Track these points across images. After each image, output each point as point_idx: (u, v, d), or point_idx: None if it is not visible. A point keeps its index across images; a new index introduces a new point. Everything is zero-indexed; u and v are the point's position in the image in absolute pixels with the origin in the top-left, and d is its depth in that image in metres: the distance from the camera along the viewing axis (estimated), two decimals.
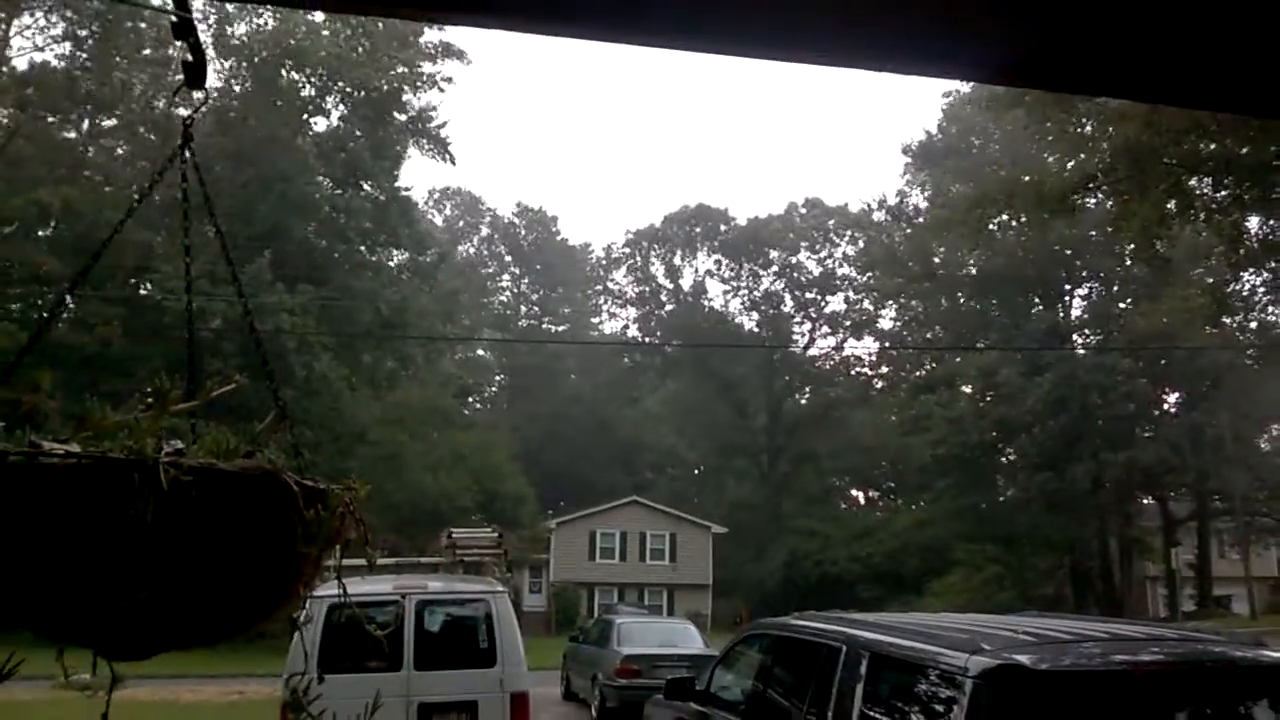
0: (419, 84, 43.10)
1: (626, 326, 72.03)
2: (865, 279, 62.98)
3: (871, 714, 5.37)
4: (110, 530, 1.33)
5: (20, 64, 38.67)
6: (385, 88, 41.72)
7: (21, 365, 1.72)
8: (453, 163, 46.23)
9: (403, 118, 43.64)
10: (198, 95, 1.93)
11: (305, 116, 41.16)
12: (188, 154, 1.96)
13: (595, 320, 74.89)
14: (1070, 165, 22.51)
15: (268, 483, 1.46)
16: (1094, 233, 39.90)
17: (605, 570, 48.35)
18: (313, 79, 40.61)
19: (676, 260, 69.69)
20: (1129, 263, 34.43)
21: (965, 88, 45.62)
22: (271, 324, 30.99)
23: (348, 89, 41.52)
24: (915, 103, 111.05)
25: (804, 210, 67.84)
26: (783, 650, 7.16)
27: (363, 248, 42.44)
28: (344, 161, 41.33)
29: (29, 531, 1.32)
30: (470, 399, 57.61)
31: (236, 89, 40.04)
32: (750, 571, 54.43)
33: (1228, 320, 25.43)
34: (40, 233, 35.88)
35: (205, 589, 1.43)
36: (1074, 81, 2.04)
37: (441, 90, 44.68)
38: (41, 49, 41.43)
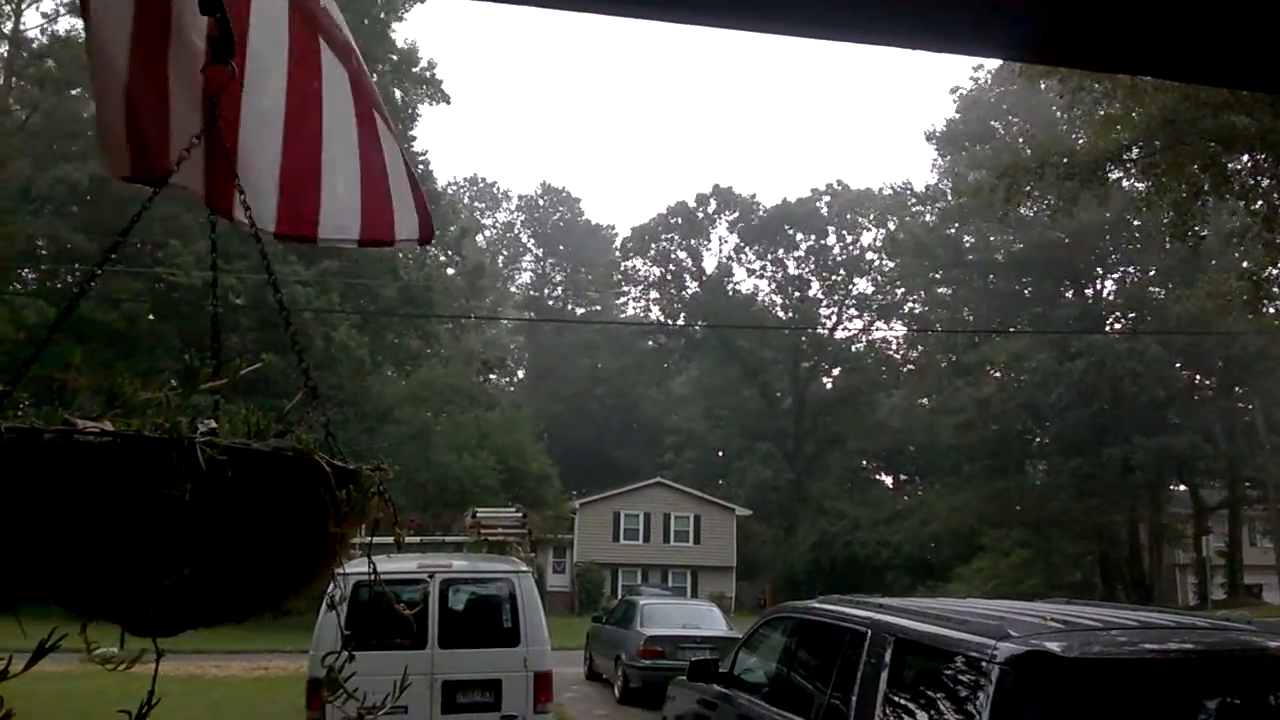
0: (400, 8, 41.76)
1: (649, 309, 71.92)
2: (894, 264, 62.66)
3: (896, 699, 5.35)
4: (146, 509, 1.33)
5: (36, 36, 38.35)
6: (365, 24, 40.72)
7: (51, 342, 1.72)
8: (448, 102, 44.80)
9: (393, 66, 42.25)
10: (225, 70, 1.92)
11: None
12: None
13: (620, 301, 74.92)
14: (1102, 135, 22.20)
15: (301, 463, 1.46)
16: (1126, 215, 39.46)
17: (629, 551, 48.50)
18: None
19: (701, 243, 69.53)
20: (1168, 245, 34.03)
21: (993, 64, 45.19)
22: (287, 296, 30.75)
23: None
24: (943, 83, 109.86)
25: (831, 194, 67.50)
26: (807, 634, 7.15)
27: None
28: None
29: (63, 509, 1.32)
30: (494, 376, 57.67)
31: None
32: (774, 554, 54.46)
33: (1266, 305, 25.05)
34: (73, 208, 36.00)
35: (237, 567, 1.44)
36: (1105, 59, 2.00)
37: (422, 1, 43.39)
38: (53, 19, 40.24)
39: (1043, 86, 22.94)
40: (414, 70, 43.35)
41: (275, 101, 2.25)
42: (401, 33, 41.69)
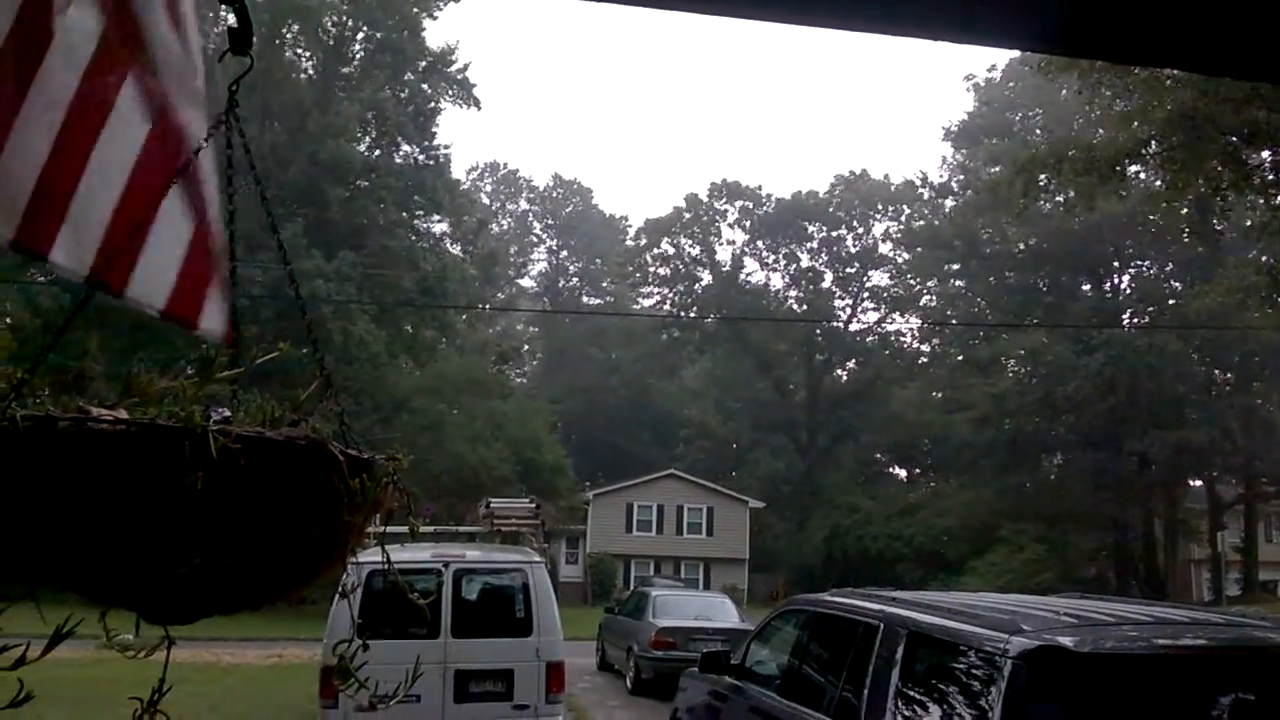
0: (434, 6, 42.09)
1: (663, 301, 71.81)
2: (909, 257, 62.47)
3: (908, 693, 5.34)
4: (159, 497, 1.34)
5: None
6: (404, 31, 40.94)
7: (68, 329, 1.73)
8: (478, 107, 44.99)
9: (427, 66, 42.70)
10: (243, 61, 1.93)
11: (341, 70, 40.63)
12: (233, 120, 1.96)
13: (634, 293, 74.99)
14: (1120, 130, 22.03)
15: (314, 452, 1.46)
16: (1144, 209, 39.19)
17: (642, 542, 48.54)
18: (331, 28, 40.00)
19: (714, 235, 69.38)
20: (1185, 238, 33.74)
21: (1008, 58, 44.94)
22: (307, 289, 31.06)
23: (366, 30, 40.73)
24: (955, 74, 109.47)
25: (844, 185, 67.21)
26: (820, 627, 7.14)
27: (401, 211, 41.94)
28: (376, 118, 40.71)
29: (78, 497, 1.33)
30: (509, 364, 57.77)
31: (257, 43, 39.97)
32: (787, 547, 54.44)
33: None
34: None
35: (252, 556, 1.44)
36: (1124, 50, 1.99)
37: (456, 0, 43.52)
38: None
39: (1059, 82, 22.81)
40: (447, 71, 43.53)
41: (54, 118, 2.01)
42: (438, 35, 41.99)
